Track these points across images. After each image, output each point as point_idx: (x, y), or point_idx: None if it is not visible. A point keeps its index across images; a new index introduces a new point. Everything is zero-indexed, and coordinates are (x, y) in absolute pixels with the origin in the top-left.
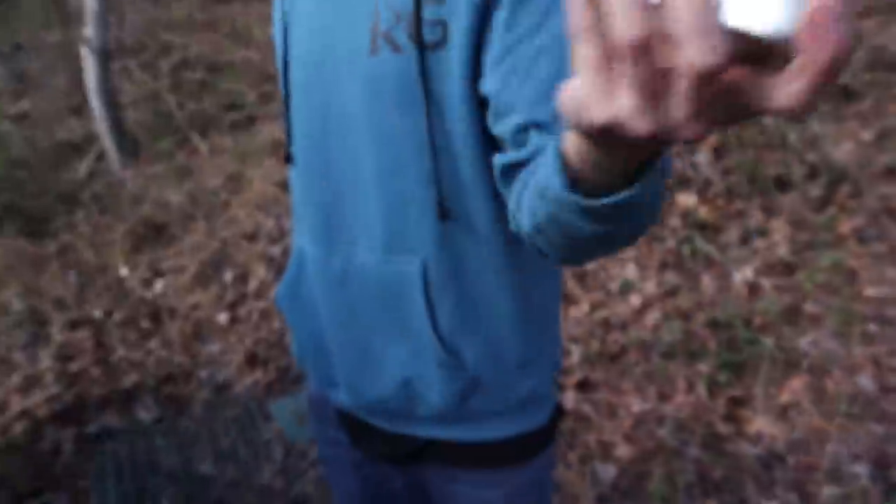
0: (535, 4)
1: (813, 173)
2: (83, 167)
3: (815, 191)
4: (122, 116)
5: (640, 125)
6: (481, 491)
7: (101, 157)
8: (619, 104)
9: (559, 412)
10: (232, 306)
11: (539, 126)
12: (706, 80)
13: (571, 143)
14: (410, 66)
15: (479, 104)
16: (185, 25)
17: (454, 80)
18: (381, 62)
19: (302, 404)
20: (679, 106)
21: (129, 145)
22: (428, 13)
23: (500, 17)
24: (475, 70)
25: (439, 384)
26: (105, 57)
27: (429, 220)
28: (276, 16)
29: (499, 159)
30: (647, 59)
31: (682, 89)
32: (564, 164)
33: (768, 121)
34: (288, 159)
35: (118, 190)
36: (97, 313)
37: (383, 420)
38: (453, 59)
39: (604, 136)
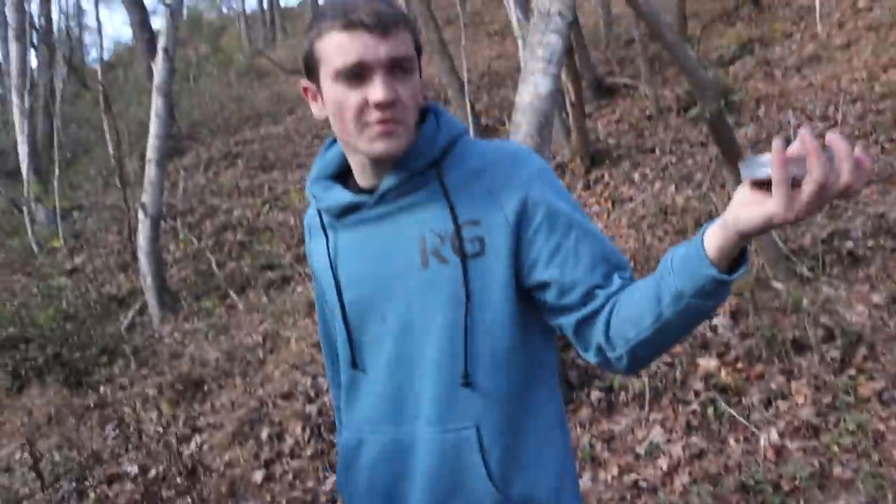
0: (561, 215)
1: (829, 336)
2: (125, 321)
3: (833, 353)
4: (166, 274)
5: (806, 215)
6: None
7: (142, 311)
8: (800, 209)
9: None
10: (268, 464)
11: (599, 286)
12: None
13: (725, 249)
14: (457, 273)
15: (521, 293)
16: (230, 191)
17: (495, 279)
18: (432, 272)
19: None
20: (824, 203)
21: (170, 301)
22: (467, 233)
23: (537, 231)
24: (513, 270)
25: None
26: (157, 220)
27: (477, 393)
28: (318, 251)
29: (570, 320)
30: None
31: (830, 195)
32: (713, 263)
33: (780, 286)
34: (355, 365)
35: (157, 344)
36: (133, 468)
37: None
38: (493, 265)
39: (774, 227)
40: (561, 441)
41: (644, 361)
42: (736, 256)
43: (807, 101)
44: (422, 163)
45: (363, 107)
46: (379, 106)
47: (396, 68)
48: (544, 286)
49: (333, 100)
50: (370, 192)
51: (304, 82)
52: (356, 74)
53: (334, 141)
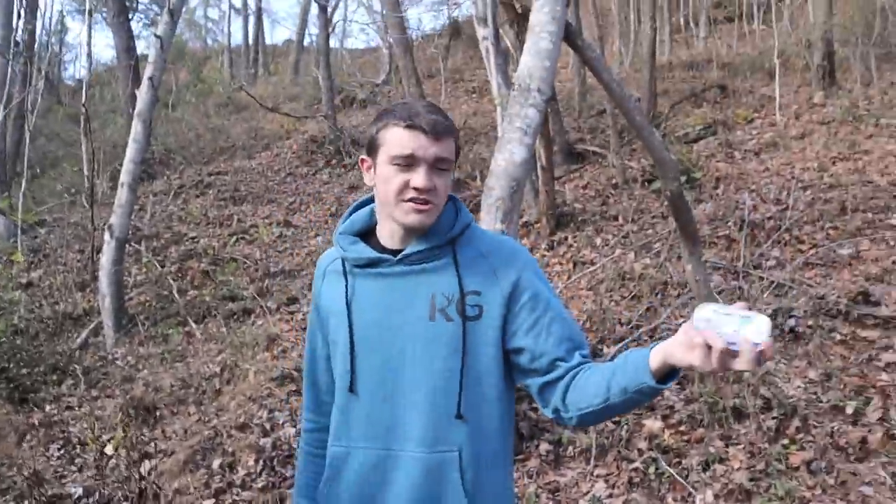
0: (542, 299)
1: (767, 406)
2: (78, 340)
3: (769, 423)
4: (125, 296)
5: (715, 369)
6: None
7: (97, 331)
8: (713, 369)
9: None
10: (218, 494)
11: (562, 359)
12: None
13: (662, 367)
14: (458, 330)
15: (503, 353)
16: (199, 220)
17: (488, 340)
18: (437, 326)
19: None
20: (726, 366)
21: (127, 324)
22: (469, 300)
23: (522, 307)
24: (502, 334)
25: None
26: (123, 243)
27: (464, 424)
28: (334, 292)
29: (536, 381)
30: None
31: (729, 365)
32: (652, 375)
33: None
34: (352, 390)
35: (109, 366)
36: (78, 490)
37: None
38: (487, 328)
39: (685, 367)
40: (511, 473)
41: (589, 424)
42: (670, 370)
43: (762, 184)
44: (441, 239)
45: (404, 187)
46: (417, 190)
47: (437, 166)
48: (520, 351)
49: (384, 176)
50: (391, 252)
51: (363, 156)
52: (407, 163)
53: (360, 205)
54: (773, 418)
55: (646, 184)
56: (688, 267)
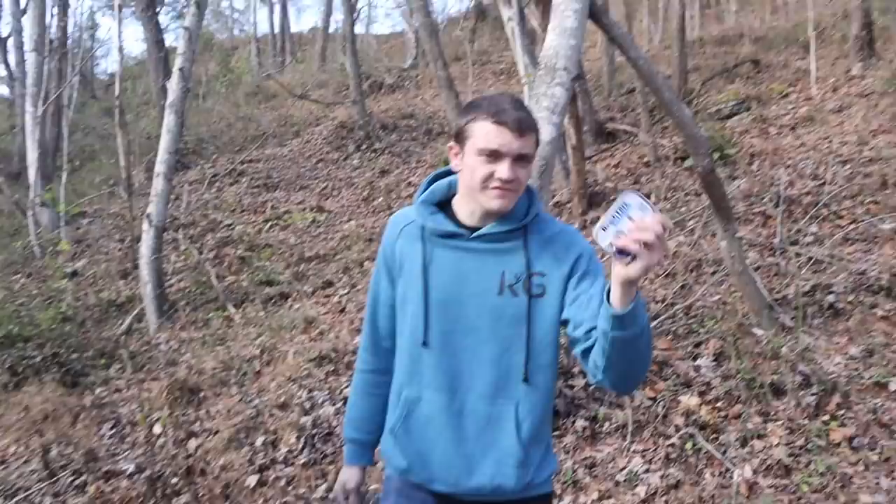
0: (588, 277)
1: (806, 383)
2: (123, 326)
3: (808, 399)
4: (166, 283)
5: (658, 262)
6: None
7: (140, 318)
8: (657, 259)
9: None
10: (261, 470)
11: (596, 328)
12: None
13: (623, 294)
14: (523, 305)
15: (560, 324)
16: (234, 207)
17: (548, 315)
18: (504, 300)
19: None
20: (665, 250)
21: (168, 310)
22: (535, 280)
23: (572, 283)
24: (560, 311)
25: (516, 477)
26: (161, 231)
27: (521, 383)
28: (410, 253)
29: (578, 349)
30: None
31: (664, 247)
32: (610, 306)
33: (762, 332)
34: (425, 344)
35: (153, 351)
36: (130, 466)
37: (475, 498)
38: (549, 305)
39: (642, 273)
40: (550, 427)
41: (617, 383)
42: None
43: (798, 160)
44: (515, 223)
45: (489, 176)
46: (501, 180)
47: (520, 159)
48: (566, 322)
49: (471, 165)
50: (468, 227)
51: (451, 143)
52: (493, 156)
53: (437, 177)
54: (813, 394)
55: (678, 161)
56: (722, 244)
